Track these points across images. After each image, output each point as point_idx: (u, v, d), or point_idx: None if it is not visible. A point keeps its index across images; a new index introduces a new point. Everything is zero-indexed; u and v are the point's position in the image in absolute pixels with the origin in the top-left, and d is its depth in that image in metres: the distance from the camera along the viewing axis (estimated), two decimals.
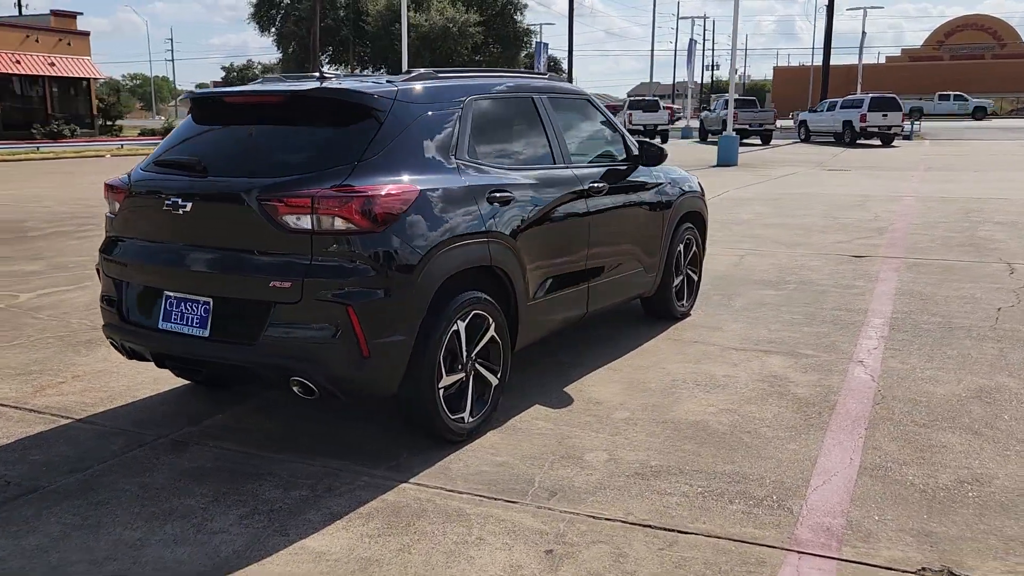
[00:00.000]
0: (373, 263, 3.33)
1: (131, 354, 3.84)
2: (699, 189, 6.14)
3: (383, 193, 3.36)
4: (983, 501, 3.23)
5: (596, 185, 4.74)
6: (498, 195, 3.94)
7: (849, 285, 7.09)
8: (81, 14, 43.91)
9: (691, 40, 47.85)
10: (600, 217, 4.77)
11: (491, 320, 3.89)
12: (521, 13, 48.64)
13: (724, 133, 23.46)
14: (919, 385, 4.56)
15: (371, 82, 3.89)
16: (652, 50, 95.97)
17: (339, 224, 3.29)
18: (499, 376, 4.00)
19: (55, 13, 42.82)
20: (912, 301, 6.47)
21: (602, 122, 5.22)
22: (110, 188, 3.91)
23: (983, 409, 4.20)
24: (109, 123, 45.06)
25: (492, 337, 3.93)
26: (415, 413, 3.66)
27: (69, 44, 41.32)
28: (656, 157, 5.23)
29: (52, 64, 39.54)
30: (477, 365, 3.87)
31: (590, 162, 4.95)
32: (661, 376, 4.75)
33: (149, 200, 3.66)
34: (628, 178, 5.14)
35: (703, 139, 36.63)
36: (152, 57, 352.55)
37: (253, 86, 4.11)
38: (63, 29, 41.82)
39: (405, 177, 3.50)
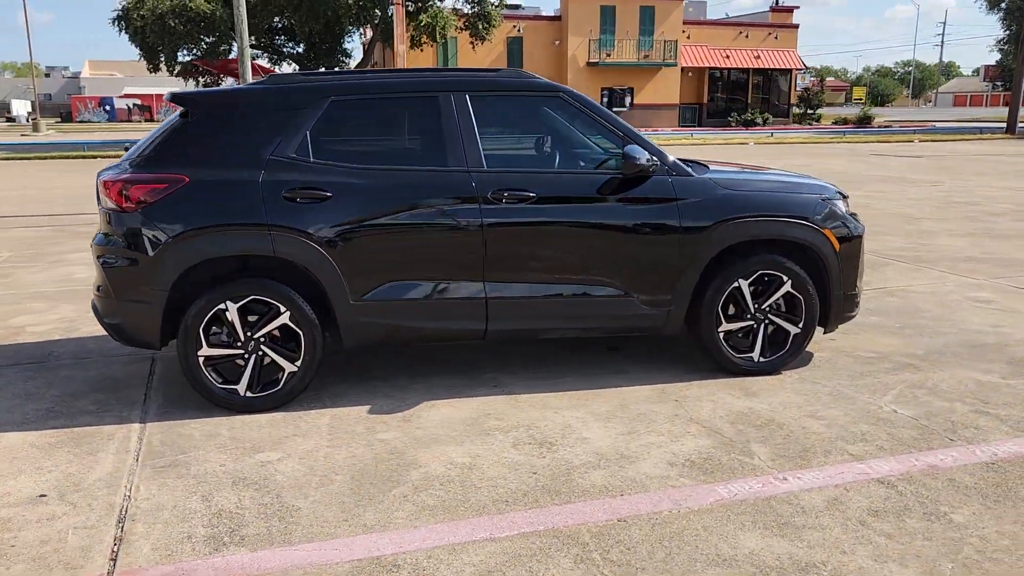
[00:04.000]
0: (125, 237, 4.09)
1: None
2: (805, 215, 4.54)
3: (136, 181, 4.05)
4: None
5: (510, 193, 4.25)
6: (302, 191, 4.10)
7: None
8: (798, 8, 46.28)
9: None
10: (514, 228, 4.28)
11: (284, 309, 4.14)
12: None
13: None
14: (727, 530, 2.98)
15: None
16: None
17: (111, 204, 4.12)
18: (298, 365, 4.21)
19: (773, 9, 46.23)
20: None
21: (581, 127, 4.49)
22: None
23: None
24: (810, 111, 46.79)
25: (287, 326, 4.17)
26: (185, 373, 4.22)
27: (776, 38, 44.29)
28: (633, 169, 4.27)
29: (757, 57, 43.08)
30: (264, 348, 4.18)
31: (529, 167, 4.40)
32: (527, 421, 4.10)
33: None
34: (597, 190, 4.35)
35: None
36: (926, 42, 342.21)
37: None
38: (777, 24, 44.92)
39: (177, 169, 4.07)
